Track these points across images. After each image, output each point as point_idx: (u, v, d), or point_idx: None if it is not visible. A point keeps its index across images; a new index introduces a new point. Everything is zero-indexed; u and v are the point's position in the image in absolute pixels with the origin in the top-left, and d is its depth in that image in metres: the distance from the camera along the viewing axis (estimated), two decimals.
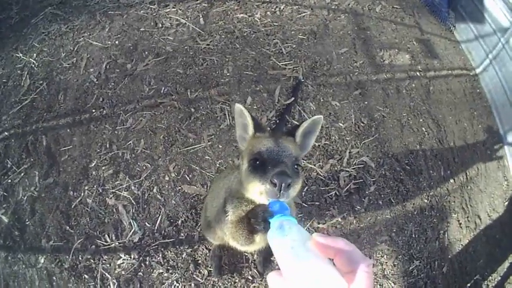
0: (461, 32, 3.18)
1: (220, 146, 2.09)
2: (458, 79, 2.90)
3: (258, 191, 0.89)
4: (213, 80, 2.32)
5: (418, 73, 2.73)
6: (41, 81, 2.35)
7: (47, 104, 2.26)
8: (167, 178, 1.99)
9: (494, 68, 2.83)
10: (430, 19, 3.20)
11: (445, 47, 3.06)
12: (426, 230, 2.11)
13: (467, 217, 2.26)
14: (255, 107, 2.24)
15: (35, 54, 2.50)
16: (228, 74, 2.36)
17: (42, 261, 1.78)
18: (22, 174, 2.02)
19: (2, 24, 2.70)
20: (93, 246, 1.81)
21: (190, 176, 2.00)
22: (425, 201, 2.20)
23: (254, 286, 1.77)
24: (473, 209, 2.31)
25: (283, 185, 0.82)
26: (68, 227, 1.86)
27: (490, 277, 2.19)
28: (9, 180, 2.01)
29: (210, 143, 2.09)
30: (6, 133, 2.17)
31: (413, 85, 2.64)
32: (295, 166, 0.92)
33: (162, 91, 2.26)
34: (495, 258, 2.25)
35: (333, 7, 2.91)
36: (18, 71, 2.42)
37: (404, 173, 2.23)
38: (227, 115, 2.18)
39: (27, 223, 1.88)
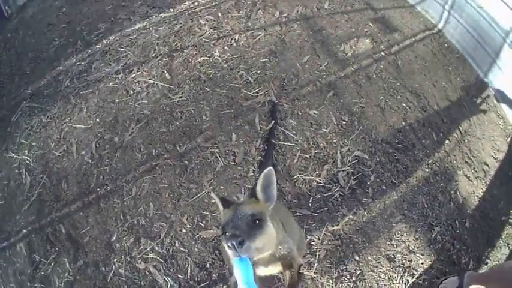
0: None
1: (222, 187, 2.21)
2: (423, 42, 2.97)
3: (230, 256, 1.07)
4: (196, 129, 2.43)
5: (382, 53, 2.81)
6: (41, 175, 2.45)
7: (54, 195, 2.36)
8: (184, 230, 2.11)
9: (454, 17, 2.89)
10: None
11: (401, 16, 3.13)
12: (436, 196, 2.20)
13: (474, 168, 2.34)
14: (241, 141, 2.35)
15: (26, 151, 2.59)
16: (207, 119, 2.47)
17: None
18: (52, 264, 2.13)
19: None
20: None
21: (203, 222, 2.12)
22: (427, 170, 2.29)
23: None
24: (477, 158, 2.39)
25: (235, 245, 0.99)
26: None
27: None
28: (42, 273, 2.11)
29: (211, 187, 2.21)
30: (24, 231, 2.28)
31: (382, 66, 2.73)
32: (256, 221, 1.08)
33: (153, 153, 2.37)
34: None
35: (284, 20, 3.00)
36: (16, 170, 2.52)
37: (398, 152, 2.33)
38: (219, 157, 2.30)
39: None
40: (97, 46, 3.05)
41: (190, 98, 2.58)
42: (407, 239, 2.05)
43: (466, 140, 2.47)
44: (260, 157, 2.28)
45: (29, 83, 3.02)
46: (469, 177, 2.31)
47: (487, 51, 2.72)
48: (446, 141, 2.44)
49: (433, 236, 2.07)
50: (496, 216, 2.22)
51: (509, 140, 2.56)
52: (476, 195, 2.26)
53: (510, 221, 2.23)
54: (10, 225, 2.33)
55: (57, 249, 2.18)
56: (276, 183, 1.19)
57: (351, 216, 2.10)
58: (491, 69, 2.74)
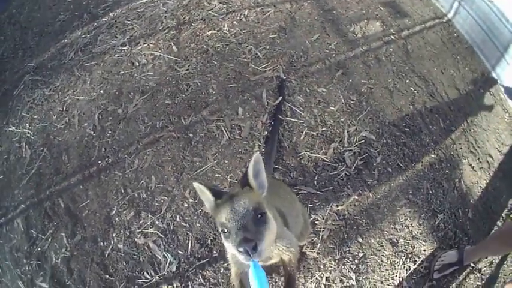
0: None
1: (226, 161, 2.17)
2: (433, 30, 2.94)
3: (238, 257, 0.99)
4: (202, 102, 2.39)
5: (392, 37, 2.77)
6: (41, 148, 2.42)
7: (54, 168, 2.32)
8: (186, 205, 2.07)
9: (464, 9, 2.87)
10: None
11: (412, 2, 3.09)
12: (441, 183, 2.16)
13: (478, 159, 2.31)
14: (247, 115, 2.31)
15: (27, 124, 2.56)
16: (214, 92, 2.43)
17: None
18: (49, 239, 2.09)
19: None
20: (136, 286, 1.89)
21: None
22: (433, 156, 2.26)
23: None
24: (481, 149, 2.36)
25: (248, 250, 0.92)
26: (107, 276, 1.94)
27: None
28: (39, 249, 2.08)
29: (216, 161, 2.17)
30: (23, 206, 2.24)
31: (391, 49, 2.69)
32: (259, 215, 1.00)
33: (157, 125, 2.33)
34: None
35: None
36: (16, 144, 2.49)
37: (405, 135, 2.29)
38: (224, 131, 2.25)
39: (68, 283, 1.95)
40: (103, 19, 3.00)
41: (197, 70, 2.53)
42: (411, 224, 2.02)
43: (472, 130, 2.45)
44: (266, 132, 2.23)
45: (33, 57, 2.98)
46: (473, 167, 2.28)
47: (496, 44, 2.70)
48: (453, 129, 2.41)
49: (437, 223, 2.04)
50: (498, 209, 2.19)
51: None
52: (480, 186, 2.24)
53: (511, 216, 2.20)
54: (8, 200, 2.30)
55: (55, 223, 2.14)
56: (264, 169, 1.11)
57: (356, 197, 2.07)
58: (499, 63, 2.72)
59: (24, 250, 2.10)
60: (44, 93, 2.70)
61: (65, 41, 2.97)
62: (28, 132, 2.51)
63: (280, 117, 2.27)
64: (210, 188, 1.09)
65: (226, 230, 0.99)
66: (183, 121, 2.32)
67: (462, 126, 2.43)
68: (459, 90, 2.61)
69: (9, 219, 2.25)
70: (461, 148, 2.33)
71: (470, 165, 2.27)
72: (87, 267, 1.98)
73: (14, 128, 2.57)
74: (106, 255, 1.99)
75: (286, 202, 1.54)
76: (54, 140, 2.44)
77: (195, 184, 1.09)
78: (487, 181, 2.27)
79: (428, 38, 2.87)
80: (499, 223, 2.15)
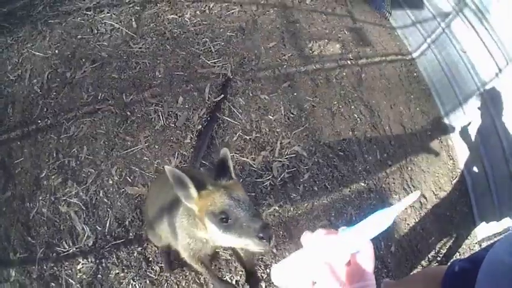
0: (398, 19, 3.20)
1: (157, 147, 2.21)
2: (393, 64, 2.95)
3: (241, 246, 0.99)
4: (146, 83, 2.41)
5: (349, 61, 2.78)
6: None
7: None
8: (111, 182, 2.11)
9: (433, 52, 2.87)
10: (364, 8, 3.22)
11: (379, 34, 3.09)
12: (366, 212, 2.17)
13: None
14: (186, 106, 2.34)
15: None
16: (159, 76, 2.44)
17: (13, 274, 1.87)
18: None
19: None
20: (54, 254, 1.92)
21: (131, 177, 2.12)
22: (363, 184, 2.30)
23: (204, 278, 1.89)
24: (416, 188, 2.40)
25: (271, 236, 0.91)
26: (30, 238, 1.97)
27: (446, 253, 2.30)
28: None
29: (146, 144, 2.21)
30: None
31: (344, 73, 2.71)
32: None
33: (99, 97, 2.35)
34: (449, 234, 2.35)
35: (262, 2, 2.94)
36: None
37: (338, 158, 2.34)
38: (161, 116, 2.29)
39: None
40: None
41: (149, 51, 2.54)
42: None
43: (410, 168, 2.48)
44: (201, 126, 2.28)
45: (7, 3, 2.92)
46: None
47: (456, 93, 2.71)
48: (389, 163, 2.44)
49: None
50: (424, 250, 2.24)
51: (454, 181, 2.57)
52: (408, 224, 2.29)
53: (438, 259, 2.26)
54: None
55: None
56: None
57: (277, 208, 2.11)
58: (454, 111, 2.74)
59: None
60: (7, 41, 2.67)
61: None
62: None
63: (217, 114, 2.31)
64: (190, 178, 1.03)
65: (230, 219, 0.96)
66: (124, 98, 2.34)
67: (400, 163, 2.47)
68: (404, 127, 2.64)
69: None
70: (394, 183, 2.38)
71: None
72: (13, 226, 2.00)
73: None
74: (30, 217, 2.02)
75: None
76: (4, 91, 2.44)
77: (168, 168, 1.01)
78: (416, 220, 2.31)
79: (386, 71, 2.87)
80: (424, 263, 2.21)
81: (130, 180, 2.12)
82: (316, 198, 2.19)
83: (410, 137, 2.63)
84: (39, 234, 1.99)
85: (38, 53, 2.57)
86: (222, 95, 2.37)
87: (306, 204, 2.16)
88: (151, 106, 2.33)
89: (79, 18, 2.69)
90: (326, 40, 2.84)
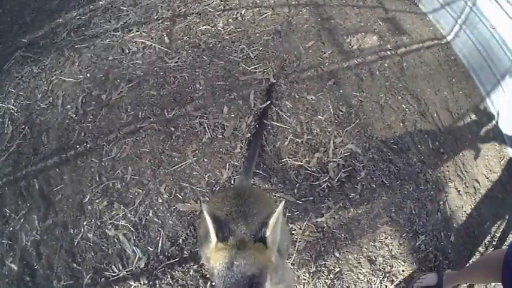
0: (427, 4, 3.19)
1: (206, 160, 2.13)
2: (431, 50, 2.91)
3: None
4: (187, 96, 2.35)
5: (388, 52, 2.74)
6: (23, 126, 2.36)
7: (33, 148, 2.27)
8: (160, 200, 2.03)
9: (465, 33, 2.84)
10: None
11: (412, 21, 3.07)
12: (425, 203, 2.13)
13: (465, 183, 2.28)
14: (232, 115, 2.27)
15: (12, 100, 2.50)
16: (200, 88, 2.38)
17: None
18: (22, 220, 2.04)
19: None
20: (103, 279, 1.84)
21: (182, 194, 2.04)
22: (419, 176, 2.22)
23: None
24: (469, 174, 2.33)
25: None
26: (75, 265, 1.89)
27: (501, 236, 2.20)
28: (11, 228, 2.03)
29: (195, 158, 2.13)
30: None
31: (386, 65, 2.66)
32: (253, 285, 0.89)
33: (139, 116, 2.28)
34: (502, 217, 2.27)
35: (294, 3, 2.92)
36: (0, 119, 2.43)
37: (392, 152, 2.26)
38: (207, 128, 2.22)
39: (36, 267, 1.90)
40: (100, 2, 2.95)
41: (186, 64, 2.49)
42: (391, 243, 1.98)
43: (461, 154, 2.41)
44: (250, 134, 2.20)
45: (27, 33, 2.92)
46: (459, 191, 2.24)
47: (493, 71, 2.67)
48: (441, 151, 2.37)
49: (417, 244, 2.00)
50: (481, 236, 2.17)
51: (502, 162, 2.51)
52: (464, 211, 2.21)
53: (494, 243, 2.18)
54: None
55: (28, 204, 2.09)
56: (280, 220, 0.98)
57: (336, 210, 2.03)
58: (494, 90, 2.69)
59: None
60: (33, 70, 2.64)
61: (60, 20, 2.91)
62: (12, 109, 2.45)
63: (265, 121, 2.23)
64: (215, 220, 0.96)
65: (214, 284, 0.93)
66: (166, 114, 2.28)
67: (451, 149, 2.40)
68: (451, 112, 2.58)
69: None
70: (448, 171, 2.30)
71: (456, 188, 2.24)
72: (55, 254, 1.93)
73: None
74: (75, 244, 1.94)
75: (282, 233, 1.42)
76: (37, 119, 2.39)
77: (205, 208, 0.96)
78: (472, 206, 2.24)
79: (425, 57, 2.84)
80: (481, 249, 2.13)
81: (181, 197, 2.03)
82: (375, 195, 2.11)
83: (457, 122, 2.56)
84: (85, 260, 1.91)
85: (68, 79, 2.52)
86: (268, 101, 2.30)
87: (365, 203, 2.08)
88: (196, 119, 2.25)
89: (107, 40, 2.66)
90: (363, 33, 2.80)
